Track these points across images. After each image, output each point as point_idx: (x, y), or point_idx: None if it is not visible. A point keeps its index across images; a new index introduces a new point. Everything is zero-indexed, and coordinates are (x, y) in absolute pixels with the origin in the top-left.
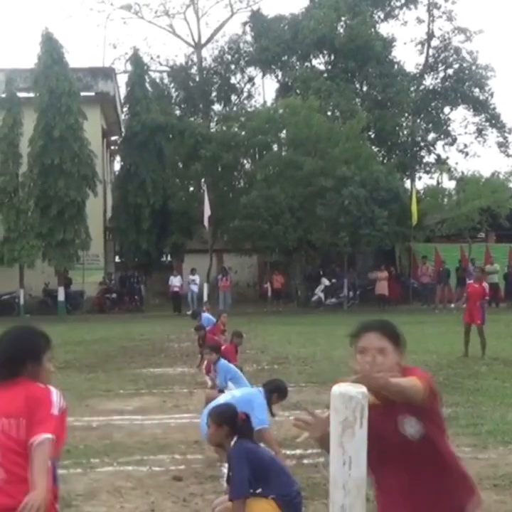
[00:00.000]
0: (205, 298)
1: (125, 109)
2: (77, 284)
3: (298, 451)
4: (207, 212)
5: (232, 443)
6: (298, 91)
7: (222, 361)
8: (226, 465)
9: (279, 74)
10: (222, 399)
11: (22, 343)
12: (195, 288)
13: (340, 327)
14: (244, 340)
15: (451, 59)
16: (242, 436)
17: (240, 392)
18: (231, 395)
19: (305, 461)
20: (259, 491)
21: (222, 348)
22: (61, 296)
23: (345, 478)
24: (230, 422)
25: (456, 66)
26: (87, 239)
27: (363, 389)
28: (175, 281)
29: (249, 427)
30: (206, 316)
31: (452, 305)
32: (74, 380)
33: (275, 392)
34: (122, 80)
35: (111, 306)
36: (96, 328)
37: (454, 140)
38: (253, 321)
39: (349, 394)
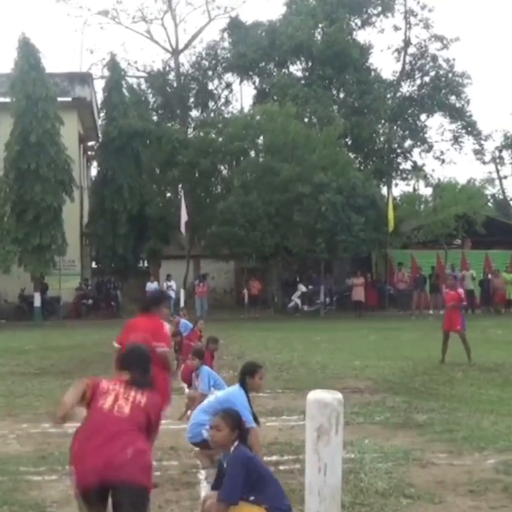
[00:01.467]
0: (182, 304)
1: (102, 114)
2: (54, 290)
3: (274, 457)
4: (184, 217)
5: (233, 448)
6: (275, 97)
7: (205, 367)
8: (207, 471)
9: (257, 80)
10: (206, 401)
11: (151, 294)
12: (171, 294)
13: (317, 333)
14: (221, 347)
15: (427, 66)
16: (242, 441)
17: (222, 393)
18: (214, 395)
19: (281, 468)
20: (252, 498)
21: None
22: (37, 301)
23: (321, 485)
24: (241, 426)
25: (432, 73)
26: (63, 244)
27: (339, 395)
28: (152, 287)
29: (247, 433)
30: (183, 322)
31: (430, 311)
32: (49, 386)
33: (245, 375)
34: (99, 85)
35: (87, 312)
36: (72, 334)
37: (431, 147)
38: (230, 327)
39: (325, 400)
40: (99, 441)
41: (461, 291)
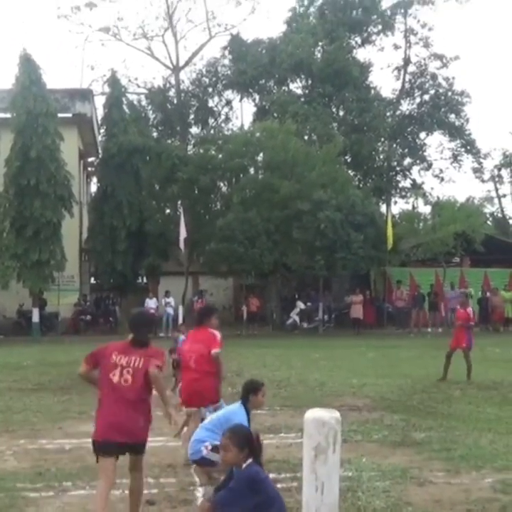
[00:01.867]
0: (181, 320)
1: (102, 130)
2: (52, 306)
3: (271, 475)
4: (183, 234)
5: (244, 465)
6: (275, 115)
7: None
8: (204, 488)
9: (257, 97)
10: (208, 419)
11: (202, 309)
12: (170, 310)
13: (315, 350)
14: None
15: (427, 85)
16: (255, 458)
17: (223, 411)
18: (215, 413)
19: (278, 486)
20: None
21: None
22: (35, 317)
23: (318, 504)
24: (250, 444)
25: (432, 92)
26: (62, 260)
27: (337, 414)
28: (151, 303)
29: (261, 447)
30: (182, 338)
31: (429, 329)
32: (47, 402)
33: (248, 393)
34: (100, 101)
35: (85, 328)
36: (70, 350)
37: (430, 165)
38: (228, 344)
39: (322, 419)
40: (114, 409)
41: (469, 310)
